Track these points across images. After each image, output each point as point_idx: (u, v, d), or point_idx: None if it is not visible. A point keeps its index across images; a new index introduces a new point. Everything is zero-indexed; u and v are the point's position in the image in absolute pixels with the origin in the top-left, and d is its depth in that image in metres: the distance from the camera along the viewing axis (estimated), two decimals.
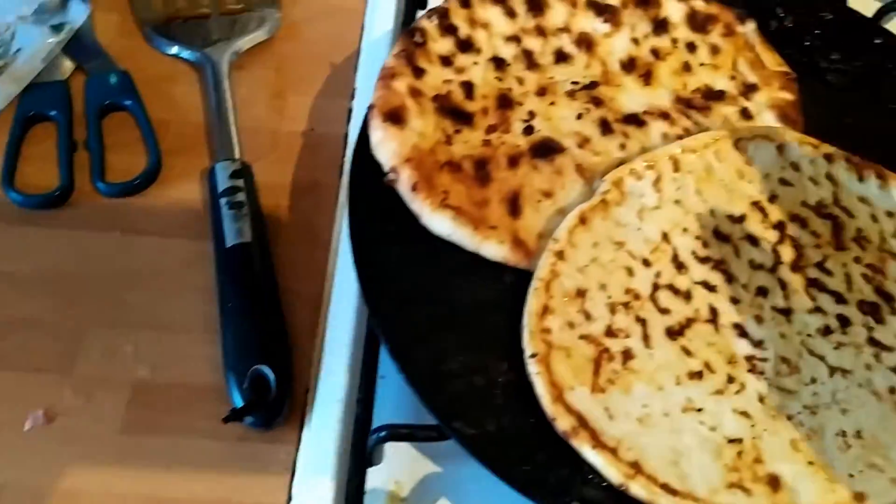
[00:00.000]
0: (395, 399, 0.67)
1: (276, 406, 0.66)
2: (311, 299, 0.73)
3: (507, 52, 0.76)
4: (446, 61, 0.74)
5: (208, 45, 0.87)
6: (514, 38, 0.77)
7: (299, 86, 0.87)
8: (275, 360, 0.67)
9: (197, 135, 0.82)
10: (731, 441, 0.58)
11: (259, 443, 0.66)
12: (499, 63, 0.75)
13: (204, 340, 0.69)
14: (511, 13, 0.78)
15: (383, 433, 0.59)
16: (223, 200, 0.74)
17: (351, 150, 0.74)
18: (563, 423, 0.57)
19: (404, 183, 0.66)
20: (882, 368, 0.63)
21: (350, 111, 0.85)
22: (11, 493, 0.63)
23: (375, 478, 0.63)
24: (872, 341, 0.64)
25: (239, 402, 0.65)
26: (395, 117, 0.69)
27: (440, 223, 0.65)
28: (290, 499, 0.64)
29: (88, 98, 0.82)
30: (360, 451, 0.61)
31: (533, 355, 0.60)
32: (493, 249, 0.65)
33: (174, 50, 0.88)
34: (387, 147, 0.67)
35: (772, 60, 0.79)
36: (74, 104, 0.82)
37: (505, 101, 0.73)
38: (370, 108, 0.69)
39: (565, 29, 0.78)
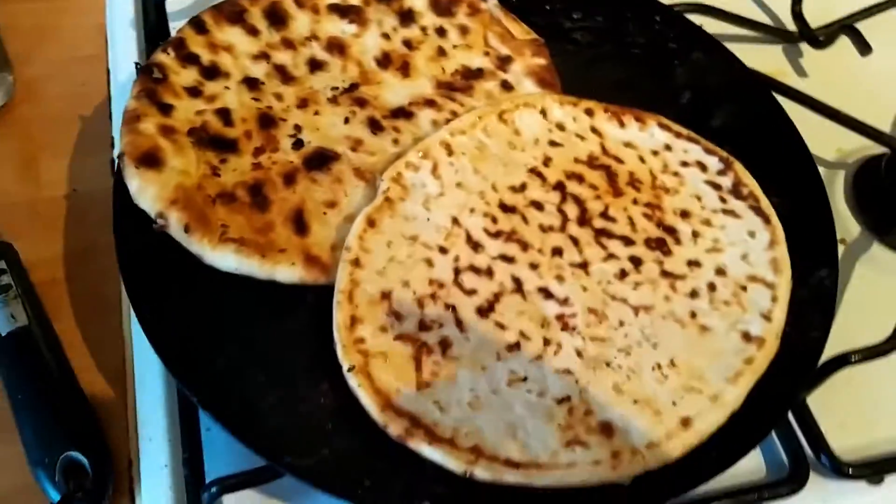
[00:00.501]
0: (227, 447, 0.63)
1: (98, 489, 0.61)
2: (113, 368, 0.68)
3: (259, 70, 0.74)
4: (194, 92, 0.71)
5: None
6: (263, 56, 0.75)
7: (51, 147, 0.81)
8: (84, 441, 0.62)
9: None
10: (560, 401, 0.60)
11: None
12: (252, 83, 0.73)
13: (2, 441, 0.63)
14: (253, 31, 0.76)
15: (214, 489, 0.56)
16: None
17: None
18: (395, 428, 0.56)
19: (175, 226, 0.62)
20: (679, 297, 0.66)
21: (113, 162, 0.79)
22: None
23: None
24: (665, 273, 0.67)
25: (55, 496, 0.60)
26: (150, 160, 0.65)
27: (224, 259, 0.62)
28: None
29: None
30: None
31: (350, 368, 0.58)
32: (287, 273, 0.63)
33: None
34: (147, 193, 0.63)
35: (519, 30, 0.81)
36: None
37: (267, 120, 0.71)
38: (120, 156, 0.65)
39: (313, 37, 0.77)
